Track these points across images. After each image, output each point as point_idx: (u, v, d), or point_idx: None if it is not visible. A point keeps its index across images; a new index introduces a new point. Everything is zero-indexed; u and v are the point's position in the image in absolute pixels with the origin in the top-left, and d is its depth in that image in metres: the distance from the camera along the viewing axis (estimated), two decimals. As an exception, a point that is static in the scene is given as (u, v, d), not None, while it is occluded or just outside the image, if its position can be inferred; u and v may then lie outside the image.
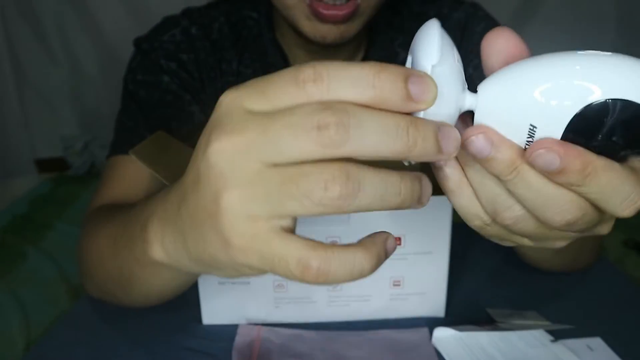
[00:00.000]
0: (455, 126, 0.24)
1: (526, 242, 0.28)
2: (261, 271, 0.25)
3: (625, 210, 0.24)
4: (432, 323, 0.50)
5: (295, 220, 0.24)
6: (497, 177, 0.24)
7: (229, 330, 0.50)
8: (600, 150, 0.23)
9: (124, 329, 0.51)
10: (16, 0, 2.29)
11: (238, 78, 0.67)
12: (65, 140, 2.50)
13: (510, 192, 0.25)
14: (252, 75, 0.67)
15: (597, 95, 0.21)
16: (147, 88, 0.64)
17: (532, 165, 0.23)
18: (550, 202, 0.24)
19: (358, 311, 0.51)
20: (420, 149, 0.22)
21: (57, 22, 2.34)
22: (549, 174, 0.23)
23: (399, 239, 0.49)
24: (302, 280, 0.23)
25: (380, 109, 0.22)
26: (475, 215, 0.27)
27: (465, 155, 0.25)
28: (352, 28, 0.57)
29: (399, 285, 0.50)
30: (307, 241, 0.23)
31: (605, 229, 0.27)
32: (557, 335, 0.48)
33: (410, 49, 0.26)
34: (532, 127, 0.23)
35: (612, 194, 0.23)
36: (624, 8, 2.25)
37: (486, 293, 0.57)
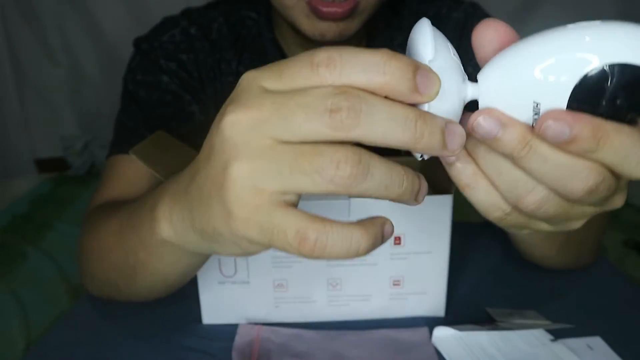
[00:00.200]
0: (461, 119, 0.25)
1: (545, 227, 0.28)
2: (260, 245, 0.25)
3: None
4: (432, 322, 0.50)
5: (299, 197, 0.25)
6: (511, 158, 0.24)
7: (229, 330, 0.50)
8: (607, 117, 0.23)
9: (124, 328, 0.51)
10: (16, 0, 2.28)
11: (237, 78, 0.67)
12: (65, 140, 2.50)
13: (528, 172, 0.25)
14: None
15: (594, 63, 0.22)
16: (147, 88, 0.64)
17: (543, 138, 0.23)
18: (569, 172, 0.24)
19: (358, 311, 0.51)
20: (425, 143, 0.23)
21: (57, 22, 2.34)
22: (561, 144, 0.23)
23: (399, 238, 0.49)
24: (299, 252, 0.24)
25: (391, 100, 0.23)
26: (494, 207, 0.27)
27: (477, 148, 0.26)
28: (351, 26, 0.57)
29: (398, 284, 0.51)
30: (307, 214, 0.24)
31: (619, 200, 0.27)
32: (557, 335, 0.48)
33: (407, 51, 0.26)
34: (536, 104, 0.23)
35: (627, 156, 0.23)
36: (623, 9, 2.25)
37: (486, 292, 0.57)
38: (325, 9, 0.53)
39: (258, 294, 0.50)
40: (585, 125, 0.22)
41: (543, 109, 0.23)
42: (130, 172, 0.60)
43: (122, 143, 0.62)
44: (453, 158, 0.26)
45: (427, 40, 0.24)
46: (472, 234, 0.67)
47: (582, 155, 0.23)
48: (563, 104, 0.23)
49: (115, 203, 0.55)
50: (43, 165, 2.54)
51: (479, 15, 0.70)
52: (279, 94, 0.24)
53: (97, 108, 2.46)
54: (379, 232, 0.25)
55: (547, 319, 0.52)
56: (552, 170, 0.24)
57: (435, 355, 0.47)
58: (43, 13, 2.32)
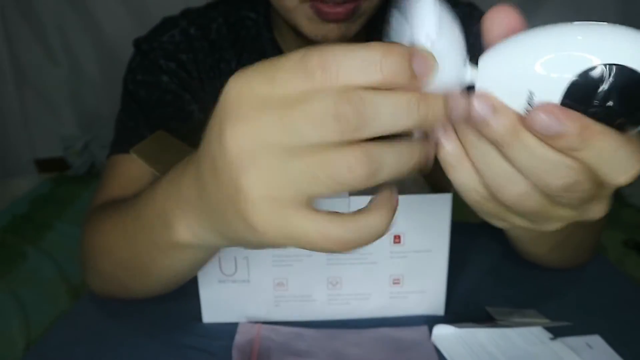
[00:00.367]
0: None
1: (521, 222, 0.28)
2: (290, 245, 0.26)
3: (621, 177, 0.24)
4: (431, 321, 0.50)
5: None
6: (498, 145, 0.25)
7: (229, 329, 0.50)
8: (597, 117, 0.23)
9: (124, 328, 0.51)
10: (16, 0, 2.28)
11: None
12: (65, 140, 2.50)
13: (512, 163, 0.25)
14: None
15: (592, 61, 0.22)
16: (147, 88, 0.64)
17: (531, 129, 0.23)
18: (550, 167, 0.24)
19: (358, 309, 0.51)
20: (431, 122, 0.24)
21: (57, 22, 2.34)
22: (548, 139, 0.23)
23: (399, 236, 0.49)
24: (326, 250, 0.25)
25: (391, 91, 0.23)
26: (474, 190, 0.28)
27: (467, 134, 0.26)
28: (353, 27, 0.57)
29: (398, 283, 0.51)
30: (330, 214, 0.25)
31: (599, 210, 0.27)
32: (556, 333, 0.49)
33: (404, 16, 0.26)
34: (530, 96, 0.24)
35: (609, 160, 0.23)
36: (623, 8, 2.25)
37: (486, 291, 0.57)
38: (329, 10, 0.53)
39: (258, 292, 0.50)
40: (574, 122, 0.23)
41: (537, 101, 0.24)
42: (131, 171, 0.60)
43: (122, 143, 0.62)
44: (442, 139, 0.27)
45: (432, 18, 0.24)
46: (472, 234, 0.67)
47: (566, 152, 0.24)
48: (557, 99, 0.23)
49: (115, 202, 0.56)
50: (43, 165, 2.54)
51: (476, 15, 0.70)
52: (277, 102, 0.23)
53: (97, 108, 2.46)
54: (391, 203, 0.26)
55: (547, 317, 0.52)
56: (534, 163, 0.24)
57: (434, 353, 0.47)
58: (43, 13, 2.32)
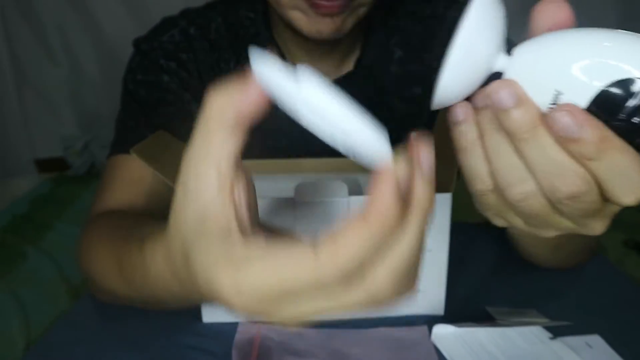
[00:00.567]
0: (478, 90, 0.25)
1: (519, 223, 0.28)
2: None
3: (628, 197, 0.24)
4: (431, 321, 0.50)
5: None
6: (514, 137, 0.25)
7: (229, 328, 0.50)
8: (619, 131, 0.23)
9: (124, 328, 0.51)
10: (16, 0, 2.29)
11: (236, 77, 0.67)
12: (65, 140, 2.50)
13: (524, 159, 0.25)
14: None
15: (628, 73, 0.22)
16: (147, 87, 0.64)
17: (551, 127, 0.23)
18: (560, 171, 0.24)
19: None
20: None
21: (57, 22, 2.34)
22: (565, 141, 0.23)
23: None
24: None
25: None
26: (480, 179, 0.27)
27: (487, 123, 0.26)
28: (347, 22, 0.57)
29: (398, 283, 0.51)
30: None
31: (599, 226, 0.27)
32: (556, 333, 0.49)
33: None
34: (557, 94, 0.23)
35: (620, 177, 0.23)
36: (624, 9, 2.25)
37: (485, 291, 0.57)
38: (323, 3, 0.53)
39: (258, 292, 0.50)
40: (594, 130, 0.22)
41: (562, 102, 0.23)
42: (131, 172, 0.60)
43: (122, 143, 0.62)
44: (461, 117, 0.27)
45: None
46: (472, 234, 0.67)
47: (579, 158, 0.23)
48: (583, 104, 0.23)
49: (113, 219, 0.54)
50: (43, 165, 2.55)
51: None
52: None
53: (97, 108, 2.46)
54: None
55: (547, 317, 0.52)
56: (545, 163, 0.24)
57: (434, 353, 0.47)
58: (43, 13, 2.32)
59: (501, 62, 0.25)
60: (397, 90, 0.70)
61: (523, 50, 0.25)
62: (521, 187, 0.26)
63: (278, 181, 0.59)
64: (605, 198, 0.25)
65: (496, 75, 0.26)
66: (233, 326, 0.50)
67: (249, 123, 0.25)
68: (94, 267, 0.49)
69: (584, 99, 0.23)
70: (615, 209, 0.26)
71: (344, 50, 0.67)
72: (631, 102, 0.22)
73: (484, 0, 0.24)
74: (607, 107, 0.22)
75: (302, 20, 0.56)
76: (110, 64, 2.34)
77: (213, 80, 0.68)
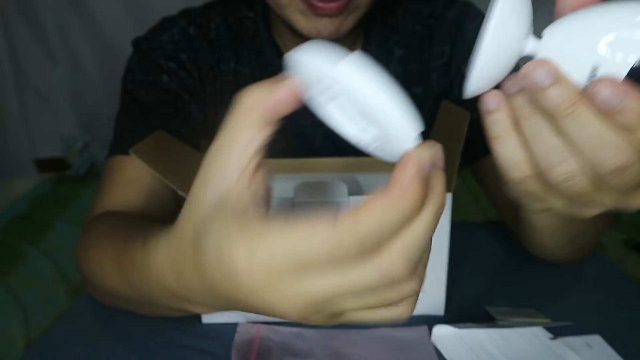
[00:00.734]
0: (507, 78, 0.25)
1: (560, 204, 0.28)
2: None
3: None
4: (431, 321, 0.50)
5: None
6: (553, 116, 0.24)
7: (228, 329, 0.50)
8: None
9: (124, 327, 0.51)
10: (16, 0, 2.29)
11: (236, 77, 0.67)
12: (65, 140, 2.50)
13: (566, 137, 0.25)
14: (250, 74, 0.67)
15: None
16: (147, 88, 0.64)
17: (592, 100, 0.23)
18: (605, 144, 0.24)
19: None
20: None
21: (57, 22, 2.34)
22: (609, 111, 0.23)
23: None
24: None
25: None
26: (517, 166, 0.27)
27: (523, 106, 0.26)
28: (346, 23, 0.57)
29: (398, 283, 0.50)
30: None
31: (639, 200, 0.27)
32: (556, 333, 0.48)
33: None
34: (594, 70, 0.23)
35: None
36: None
37: (485, 291, 0.57)
38: (322, 5, 0.53)
39: (258, 292, 0.50)
40: (636, 100, 0.22)
41: (599, 75, 0.23)
42: (130, 173, 0.60)
43: (121, 144, 0.62)
44: (493, 105, 0.27)
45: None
46: (472, 234, 0.67)
47: (624, 129, 0.23)
48: (620, 76, 0.23)
49: (113, 220, 0.54)
50: (43, 165, 2.55)
51: (472, 14, 0.70)
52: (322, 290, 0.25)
53: (97, 108, 2.46)
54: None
55: (547, 317, 0.52)
56: (589, 139, 0.24)
57: (434, 353, 0.47)
58: (43, 13, 2.32)
59: (532, 44, 0.25)
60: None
61: (554, 30, 0.25)
62: (564, 167, 0.26)
63: (277, 181, 0.59)
64: None
65: (524, 62, 0.26)
66: (232, 327, 0.50)
67: (278, 120, 0.26)
68: (93, 265, 0.48)
69: (622, 71, 0.23)
70: None
71: (344, 49, 0.67)
72: None
73: None
74: None
75: (301, 21, 0.56)
76: (110, 64, 2.34)
77: (212, 80, 0.68)
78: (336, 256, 0.22)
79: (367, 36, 0.68)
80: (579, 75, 0.24)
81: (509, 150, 0.27)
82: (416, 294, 0.25)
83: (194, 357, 0.47)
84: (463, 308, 0.53)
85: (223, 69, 0.67)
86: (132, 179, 0.60)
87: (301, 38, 0.60)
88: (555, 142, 0.25)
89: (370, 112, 0.23)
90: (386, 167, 0.66)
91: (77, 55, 2.41)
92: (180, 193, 0.47)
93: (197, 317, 0.51)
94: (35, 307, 1.49)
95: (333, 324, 0.26)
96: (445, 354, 0.46)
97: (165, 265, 0.29)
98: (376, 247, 0.23)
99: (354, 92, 0.23)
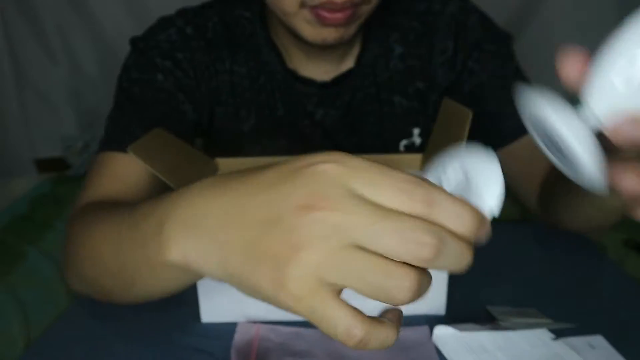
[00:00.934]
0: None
1: None
2: (307, 318, 0.27)
3: None
4: (432, 321, 0.50)
5: None
6: None
7: (228, 329, 0.49)
8: None
9: (123, 327, 0.51)
10: (16, 0, 2.28)
11: (232, 76, 0.67)
12: (65, 140, 2.50)
13: None
14: (247, 73, 0.67)
15: None
16: (141, 86, 0.64)
17: None
18: None
19: (358, 309, 0.51)
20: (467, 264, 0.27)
21: (57, 22, 2.34)
22: None
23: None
24: (343, 343, 0.26)
25: (462, 239, 0.26)
26: None
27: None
28: (350, 30, 0.58)
29: (399, 283, 0.50)
30: (355, 311, 0.26)
31: None
32: (558, 334, 0.48)
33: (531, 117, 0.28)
34: None
35: None
36: (624, 9, 2.25)
37: (486, 291, 0.56)
38: (330, 16, 0.54)
39: (257, 292, 0.50)
40: None
41: None
42: (121, 170, 0.59)
43: (113, 140, 0.62)
44: (625, 180, 0.28)
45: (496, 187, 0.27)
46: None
47: None
48: None
49: (106, 204, 0.54)
50: (43, 165, 2.54)
51: (469, 8, 0.71)
52: (371, 205, 0.25)
53: (97, 108, 2.46)
54: (400, 323, 0.29)
55: (548, 317, 0.51)
56: None
57: (435, 354, 0.46)
58: (43, 13, 2.32)
59: (590, 118, 0.26)
60: (399, 85, 0.71)
61: (591, 95, 0.26)
62: None
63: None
64: None
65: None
66: (232, 326, 0.50)
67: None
68: (85, 247, 0.47)
69: None
70: None
71: (343, 49, 0.67)
72: None
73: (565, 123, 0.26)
74: None
75: (307, 29, 0.57)
76: (110, 63, 2.31)
77: (208, 79, 0.68)
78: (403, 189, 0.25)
79: (367, 34, 0.68)
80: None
81: None
82: (418, 284, 0.26)
83: (193, 356, 0.47)
84: (464, 307, 0.53)
85: (219, 68, 0.67)
86: (122, 175, 0.59)
87: (301, 41, 0.60)
88: None
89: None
90: (385, 165, 0.66)
91: (77, 55, 2.41)
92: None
93: (197, 317, 0.51)
94: (35, 307, 1.49)
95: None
96: (446, 354, 0.46)
97: (185, 192, 0.32)
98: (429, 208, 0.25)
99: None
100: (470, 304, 0.54)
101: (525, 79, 0.71)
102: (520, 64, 0.72)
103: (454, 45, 0.69)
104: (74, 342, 0.50)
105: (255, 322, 0.50)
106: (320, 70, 0.68)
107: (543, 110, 0.26)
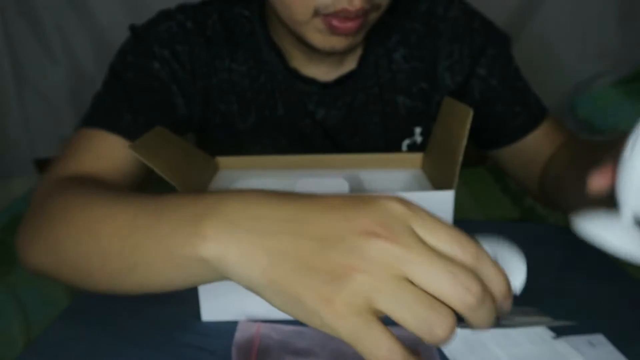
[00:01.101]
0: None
1: None
2: (344, 339, 0.28)
3: None
4: (433, 320, 0.49)
5: None
6: None
7: (229, 327, 0.49)
8: None
9: (122, 325, 0.51)
10: (16, 0, 2.28)
11: (231, 75, 0.67)
12: (65, 140, 2.50)
13: None
14: (246, 72, 0.67)
15: None
16: (136, 71, 0.64)
17: None
18: None
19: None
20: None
21: (57, 22, 2.34)
22: None
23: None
24: None
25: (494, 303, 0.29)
26: None
27: None
28: (358, 38, 0.59)
29: (399, 281, 0.50)
30: (396, 338, 0.28)
31: None
32: (558, 332, 0.48)
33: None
34: None
35: None
36: (624, 9, 2.25)
37: (487, 290, 0.56)
38: (341, 25, 0.55)
39: (258, 291, 0.50)
40: None
41: None
42: (106, 149, 0.59)
43: (99, 119, 0.61)
44: None
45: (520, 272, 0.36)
46: (473, 232, 0.67)
47: None
48: None
49: (92, 181, 0.53)
50: (43, 165, 2.54)
51: (470, 10, 0.72)
52: (429, 247, 0.28)
53: (97, 108, 2.46)
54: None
55: (549, 316, 0.51)
56: None
57: (436, 353, 0.46)
58: (43, 13, 2.32)
59: (628, 215, 0.34)
60: (402, 86, 0.71)
61: (629, 199, 0.33)
62: None
63: (279, 177, 0.59)
64: None
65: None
66: (233, 325, 0.50)
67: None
68: (67, 220, 0.43)
69: None
70: None
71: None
72: None
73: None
74: None
75: (317, 38, 0.58)
76: (111, 64, 2.33)
77: (206, 76, 0.68)
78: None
79: (368, 36, 0.68)
80: None
81: None
82: (452, 323, 0.27)
83: (193, 355, 0.47)
84: (465, 306, 0.53)
85: (218, 66, 0.67)
86: (107, 154, 0.59)
87: (307, 47, 0.61)
88: None
89: None
90: (386, 164, 0.66)
91: (77, 55, 2.41)
92: (180, 190, 0.46)
93: (197, 315, 0.51)
94: (35, 307, 1.49)
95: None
96: (447, 353, 0.46)
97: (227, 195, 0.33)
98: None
99: None
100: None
101: (522, 79, 0.73)
102: (520, 64, 0.73)
103: (460, 49, 0.70)
104: (74, 340, 0.49)
105: (256, 321, 0.50)
106: (320, 71, 0.68)
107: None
